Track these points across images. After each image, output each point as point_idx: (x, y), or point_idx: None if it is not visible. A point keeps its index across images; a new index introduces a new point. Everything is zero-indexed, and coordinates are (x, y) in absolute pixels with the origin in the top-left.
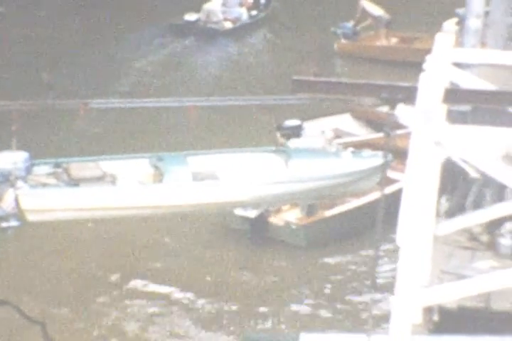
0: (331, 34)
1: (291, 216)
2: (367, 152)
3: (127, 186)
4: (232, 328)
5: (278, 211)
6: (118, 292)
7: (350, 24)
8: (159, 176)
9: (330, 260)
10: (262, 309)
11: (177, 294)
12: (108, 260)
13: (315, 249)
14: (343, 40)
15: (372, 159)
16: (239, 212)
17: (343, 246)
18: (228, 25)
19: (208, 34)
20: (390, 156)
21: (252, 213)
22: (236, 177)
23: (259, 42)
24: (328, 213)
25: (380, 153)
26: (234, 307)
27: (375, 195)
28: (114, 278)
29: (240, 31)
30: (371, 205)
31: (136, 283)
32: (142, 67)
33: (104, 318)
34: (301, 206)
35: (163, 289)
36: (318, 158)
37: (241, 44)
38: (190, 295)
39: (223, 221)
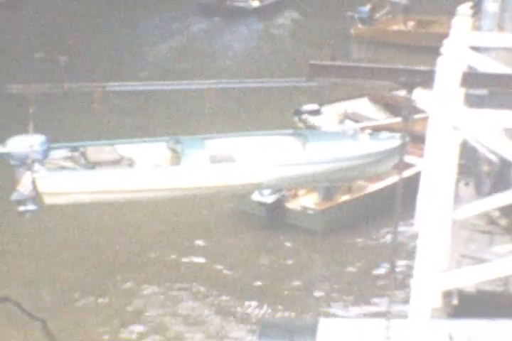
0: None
1: (308, 201)
2: (384, 134)
3: (144, 169)
4: (252, 313)
5: (295, 196)
6: (140, 277)
7: (367, 8)
8: (177, 159)
9: (347, 245)
10: (281, 292)
11: (198, 276)
12: (125, 246)
13: (332, 234)
14: (359, 25)
15: (390, 141)
16: (256, 197)
17: (360, 231)
18: (256, 3)
19: (235, 13)
20: (407, 138)
21: (269, 198)
22: (253, 160)
23: (286, 23)
24: (345, 198)
25: (397, 134)
26: (255, 288)
27: (391, 180)
28: (135, 263)
29: (268, 10)
30: (388, 190)
31: (155, 270)
32: (163, 50)
33: (126, 305)
34: (319, 191)
35: (186, 271)
36: (335, 140)
37: (268, 24)
38: (211, 278)
39: (240, 206)
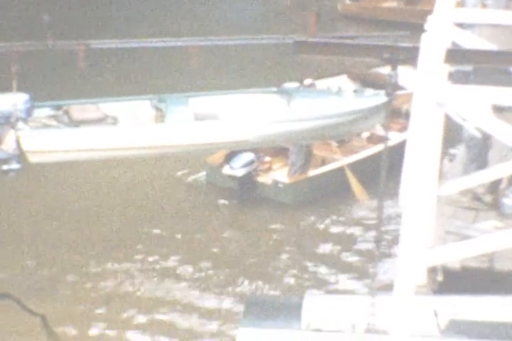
0: None
1: (280, 175)
2: (369, 91)
3: (128, 127)
4: (231, 289)
5: (268, 170)
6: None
7: None
8: (161, 117)
9: (319, 219)
10: (255, 268)
11: (171, 256)
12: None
13: (303, 207)
14: (347, 1)
15: (375, 98)
16: (226, 171)
17: (332, 204)
18: None
19: None
20: (393, 95)
21: (240, 172)
22: (238, 117)
23: None
24: (316, 171)
25: (382, 92)
26: (230, 269)
27: (365, 153)
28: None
29: None
30: (360, 164)
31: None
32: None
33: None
34: (290, 165)
35: (158, 251)
36: (320, 97)
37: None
38: (185, 256)
39: (212, 180)
